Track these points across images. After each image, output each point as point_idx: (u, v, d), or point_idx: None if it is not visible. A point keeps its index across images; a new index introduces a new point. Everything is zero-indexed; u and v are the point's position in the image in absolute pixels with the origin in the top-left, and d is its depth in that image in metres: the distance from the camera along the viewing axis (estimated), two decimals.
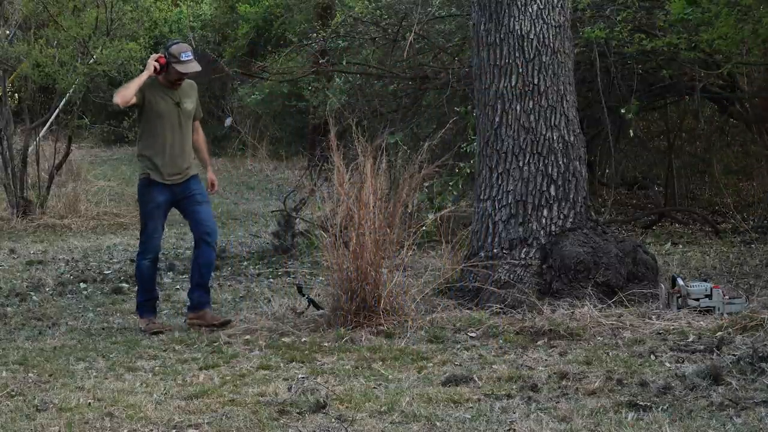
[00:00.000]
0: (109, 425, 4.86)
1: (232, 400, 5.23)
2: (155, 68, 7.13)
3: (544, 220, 7.45)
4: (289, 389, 5.39)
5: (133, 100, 7.05)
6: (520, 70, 7.50)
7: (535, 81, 7.52)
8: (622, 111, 10.45)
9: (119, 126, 22.35)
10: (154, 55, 7.22)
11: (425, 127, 11.80)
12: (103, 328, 7.32)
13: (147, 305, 7.36)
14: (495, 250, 7.41)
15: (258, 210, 14.42)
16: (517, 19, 7.51)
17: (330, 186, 7.38)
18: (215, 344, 6.61)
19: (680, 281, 7.10)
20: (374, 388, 5.43)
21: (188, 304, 7.36)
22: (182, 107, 7.29)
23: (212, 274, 7.61)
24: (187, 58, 7.20)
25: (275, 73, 14.07)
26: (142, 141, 7.36)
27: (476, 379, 5.50)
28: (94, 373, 5.91)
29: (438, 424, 4.77)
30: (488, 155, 7.59)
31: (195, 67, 7.25)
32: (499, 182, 7.53)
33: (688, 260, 9.18)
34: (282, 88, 17.91)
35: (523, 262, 7.35)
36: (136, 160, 7.42)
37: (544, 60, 7.54)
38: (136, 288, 7.58)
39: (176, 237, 12.21)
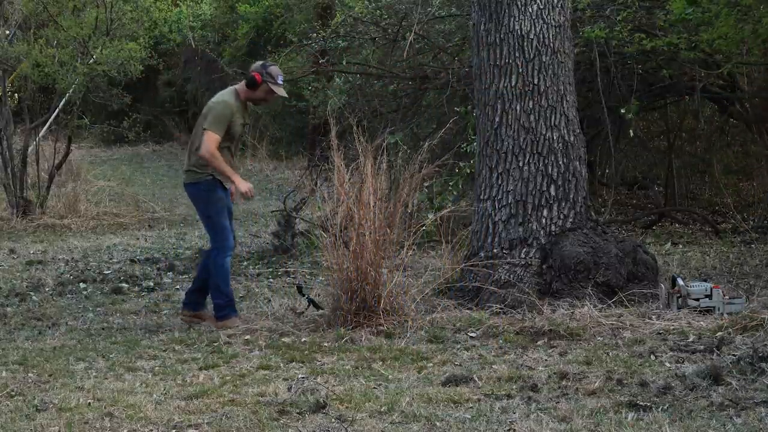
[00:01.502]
0: (109, 425, 4.86)
1: (232, 400, 5.23)
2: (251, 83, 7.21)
3: (544, 220, 7.45)
4: (289, 389, 5.39)
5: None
6: (520, 70, 7.50)
7: (535, 81, 7.52)
8: (622, 111, 10.45)
9: (119, 126, 22.36)
10: (248, 185, 7.21)
11: (425, 127, 11.81)
12: (103, 328, 7.32)
13: (233, 304, 7.32)
14: (495, 250, 7.41)
15: (258, 210, 14.42)
16: (517, 19, 7.51)
17: (330, 186, 7.38)
18: (215, 344, 6.61)
19: (680, 281, 7.10)
20: (374, 388, 5.43)
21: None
22: (245, 128, 7.49)
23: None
24: (281, 82, 7.33)
25: None
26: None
27: (476, 379, 5.49)
28: (94, 373, 5.91)
29: (438, 424, 4.77)
30: (488, 155, 7.59)
31: (284, 93, 7.39)
32: (499, 182, 7.53)
33: (688, 260, 9.18)
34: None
35: (523, 262, 7.35)
36: (187, 167, 7.32)
37: (544, 60, 7.54)
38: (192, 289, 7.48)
39: (176, 237, 12.21)
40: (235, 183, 7.20)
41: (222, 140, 7.16)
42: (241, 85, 7.35)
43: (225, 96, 7.31)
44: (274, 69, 7.34)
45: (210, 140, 7.10)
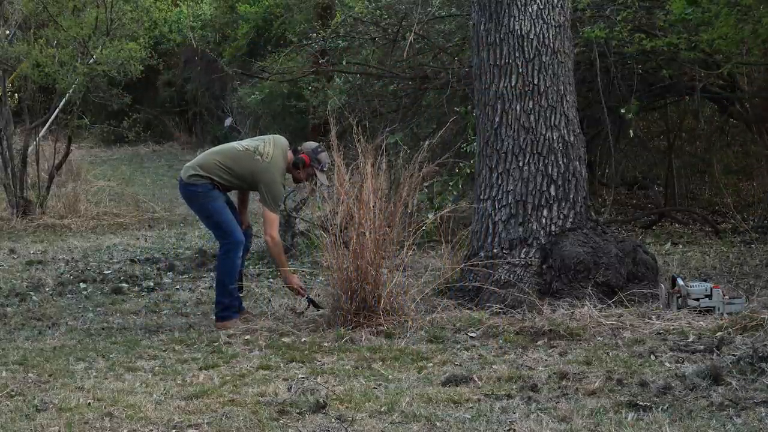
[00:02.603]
0: (109, 425, 4.86)
1: (232, 400, 5.23)
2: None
3: (544, 220, 7.45)
4: (289, 389, 5.39)
5: None
6: (520, 70, 7.50)
7: (535, 81, 7.52)
8: (622, 111, 10.45)
9: (119, 126, 22.37)
10: (299, 283, 7.35)
11: (425, 127, 11.82)
12: (103, 328, 7.32)
13: (236, 306, 7.32)
14: (495, 250, 7.41)
15: (258, 210, 14.40)
16: (517, 19, 7.50)
17: (330, 186, 7.38)
18: (215, 344, 6.61)
19: (680, 281, 7.10)
20: (374, 388, 5.43)
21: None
22: None
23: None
24: (326, 169, 7.40)
25: (275, 73, 14.08)
26: (213, 157, 7.36)
27: (476, 379, 5.49)
28: (94, 373, 5.91)
29: (438, 424, 4.77)
30: (488, 155, 7.59)
31: (326, 180, 7.45)
32: (499, 182, 7.53)
33: (688, 260, 9.18)
34: (282, 88, 17.94)
35: (523, 262, 7.35)
36: (192, 171, 7.31)
37: (544, 60, 7.54)
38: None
39: (176, 237, 12.21)
40: (287, 278, 7.31)
41: (243, 197, 7.61)
42: (288, 153, 7.41)
43: (275, 171, 7.30)
44: (324, 156, 7.42)
45: (272, 223, 7.21)
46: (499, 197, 7.51)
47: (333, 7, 17.82)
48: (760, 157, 13.03)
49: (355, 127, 7.22)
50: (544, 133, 7.50)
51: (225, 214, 7.27)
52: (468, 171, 9.89)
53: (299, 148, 7.49)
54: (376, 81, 12.23)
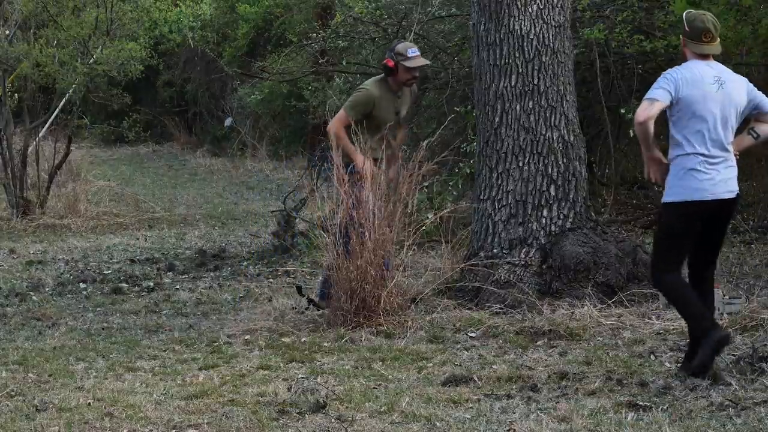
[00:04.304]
0: (108, 425, 4.86)
1: (232, 400, 5.23)
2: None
3: (544, 220, 7.45)
4: (289, 389, 5.39)
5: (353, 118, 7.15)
6: (520, 70, 7.50)
7: (535, 81, 7.52)
8: (622, 111, 10.45)
9: (119, 126, 22.37)
10: (365, 163, 7.09)
11: (425, 127, 11.81)
12: (103, 328, 7.31)
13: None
14: (495, 250, 7.41)
15: (258, 210, 14.41)
16: (516, 19, 7.50)
17: (330, 186, 7.37)
18: (215, 344, 6.61)
19: None
20: (374, 388, 5.43)
21: None
22: (399, 115, 7.41)
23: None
24: (414, 54, 7.23)
25: (275, 73, 14.09)
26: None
27: (476, 379, 5.50)
28: (94, 373, 5.91)
29: (438, 424, 4.77)
30: (488, 155, 7.59)
31: (423, 61, 7.28)
32: (499, 182, 7.52)
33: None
34: (282, 88, 17.94)
35: (523, 262, 7.35)
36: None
37: (544, 60, 7.54)
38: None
39: (176, 237, 12.21)
40: (355, 160, 7.13)
41: (368, 125, 7.18)
42: (390, 78, 7.31)
43: (369, 83, 7.35)
44: (401, 46, 7.31)
45: (338, 118, 7.18)
46: (499, 197, 7.51)
47: (333, 7, 17.80)
48: (760, 157, 13.02)
49: (354, 127, 7.22)
50: (544, 133, 7.50)
51: None
52: (468, 171, 9.89)
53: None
54: None
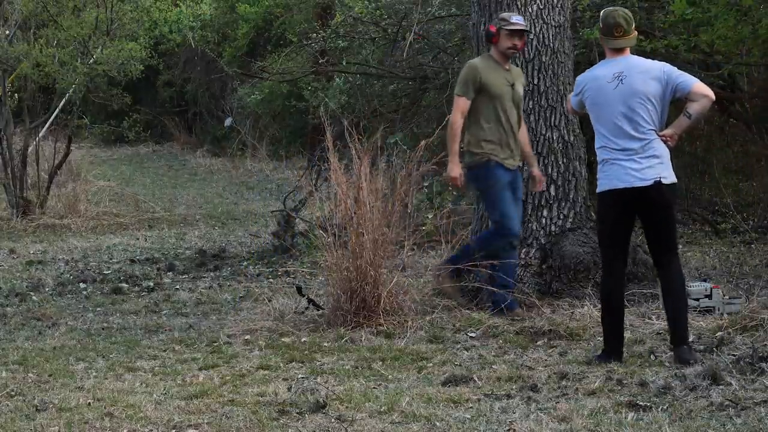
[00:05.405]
0: (108, 425, 4.85)
1: (232, 400, 5.23)
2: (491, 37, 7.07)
3: (544, 220, 7.45)
4: (289, 389, 5.39)
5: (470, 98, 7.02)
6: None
7: (535, 81, 7.53)
8: None
9: (119, 126, 22.37)
10: (455, 172, 7.00)
11: (425, 127, 11.81)
12: (103, 328, 7.31)
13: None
14: None
15: (258, 210, 14.42)
16: None
17: (329, 186, 7.37)
18: (215, 344, 6.61)
19: None
20: (374, 388, 5.43)
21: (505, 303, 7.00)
22: (515, 89, 7.15)
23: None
24: (516, 20, 7.09)
25: (275, 73, 14.09)
26: (473, 126, 7.10)
27: (476, 379, 5.49)
28: (94, 373, 5.91)
29: (438, 424, 4.77)
30: None
31: (524, 25, 7.11)
32: None
33: (688, 260, 9.17)
34: (282, 88, 17.94)
35: (523, 262, 7.35)
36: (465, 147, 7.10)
37: (544, 60, 7.54)
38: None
39: (176, 237, 12.22)
40: (449, 164, 7.02)
41: (486, 110, 7.03)
42: (493, 48, 7.18)
43: (471, 60, 7.26)
44: (506, 13, 7.19)
45: (454, 105, 7.06)
46: None
47: (333, 7, 17.80)
48: (760, 157, 13.02)
49: (352, 128, 7.22)
50: (544, 133, 7.51)
51: (504, 205, 7.07)
52: None
53: None
54: (376, 81, 12.23)
